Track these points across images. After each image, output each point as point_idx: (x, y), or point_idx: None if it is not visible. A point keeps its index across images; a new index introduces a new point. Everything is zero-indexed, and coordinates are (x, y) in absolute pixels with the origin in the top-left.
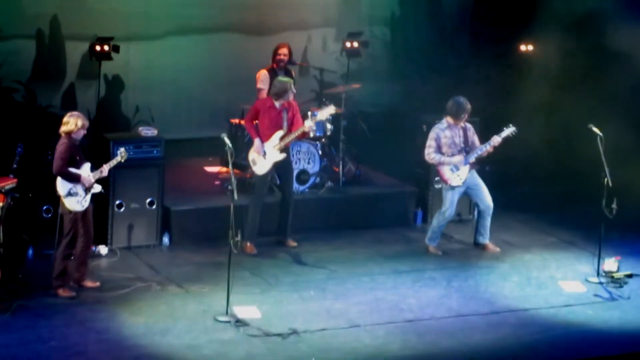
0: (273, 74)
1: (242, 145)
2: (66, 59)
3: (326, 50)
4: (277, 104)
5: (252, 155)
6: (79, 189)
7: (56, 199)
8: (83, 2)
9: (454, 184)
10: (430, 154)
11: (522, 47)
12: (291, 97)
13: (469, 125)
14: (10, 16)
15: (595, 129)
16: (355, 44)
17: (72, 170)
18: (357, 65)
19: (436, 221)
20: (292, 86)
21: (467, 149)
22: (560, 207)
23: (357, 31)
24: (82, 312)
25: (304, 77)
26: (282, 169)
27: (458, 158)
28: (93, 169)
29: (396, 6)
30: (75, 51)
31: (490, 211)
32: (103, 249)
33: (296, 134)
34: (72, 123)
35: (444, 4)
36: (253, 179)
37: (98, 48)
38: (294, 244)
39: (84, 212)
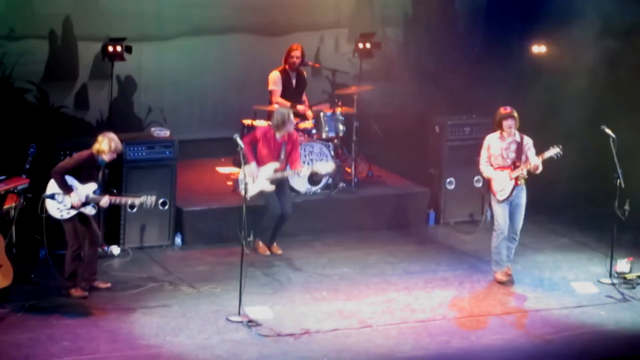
0: (285, 75)
1: None
2: (79, 59)
3: (338, 51)
4: (277, 135)
5: (244, 175)
6: (66, 200)
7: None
8: (95, 3)
9: (499, 197)
10: (481, 166)
11: (535, 49)
12: (292, 128)
13: (527, 140)
14: (22, 17)
15: (608, 130)
16: (368, 45)
17: (67, 179)
18: (370, 66)
19: (493, 242)
20: (291, 116)
21: (517, 164)
22: (574, 208)
23: (369, 32)
24: (94, 311)
25: (316, 78)
26: (279, 186)
27: (502, 174)
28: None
29: (409, 7)
30: (87, 52)
31: (512, 236)
32: (115, 249)
33: (289, 173)
34: (105, 144)
35: (457, 4)
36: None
37: (111, 49)
38: (280, 251)
39: (87, 218)
